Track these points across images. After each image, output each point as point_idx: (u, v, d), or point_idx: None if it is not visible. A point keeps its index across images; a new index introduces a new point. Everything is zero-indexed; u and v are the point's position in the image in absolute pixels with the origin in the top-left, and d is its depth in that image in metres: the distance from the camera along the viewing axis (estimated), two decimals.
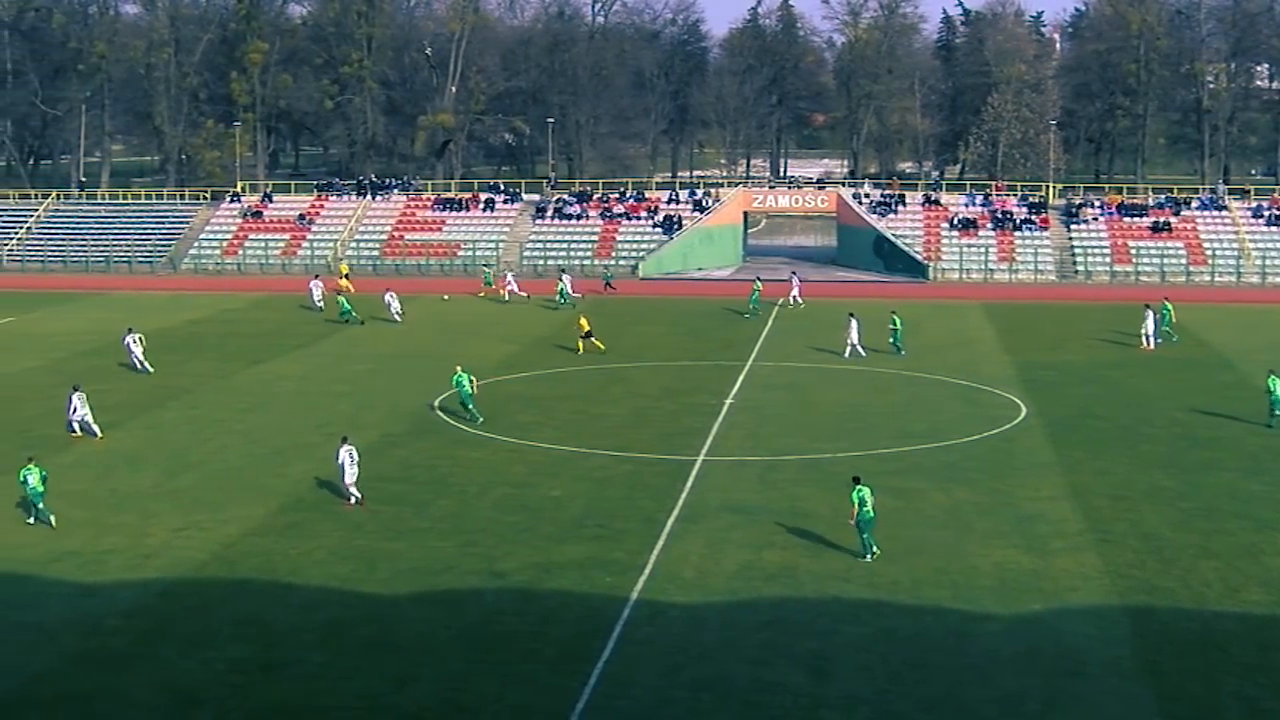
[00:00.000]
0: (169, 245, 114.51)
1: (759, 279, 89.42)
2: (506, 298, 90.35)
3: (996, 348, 73.30)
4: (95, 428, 52.94)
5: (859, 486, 38.05)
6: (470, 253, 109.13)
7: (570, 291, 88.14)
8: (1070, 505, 43.09)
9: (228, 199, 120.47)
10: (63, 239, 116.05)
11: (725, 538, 39.80)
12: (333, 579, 36.55)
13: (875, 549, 37.72)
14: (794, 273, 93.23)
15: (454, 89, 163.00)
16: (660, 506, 42.83)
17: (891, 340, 69.82)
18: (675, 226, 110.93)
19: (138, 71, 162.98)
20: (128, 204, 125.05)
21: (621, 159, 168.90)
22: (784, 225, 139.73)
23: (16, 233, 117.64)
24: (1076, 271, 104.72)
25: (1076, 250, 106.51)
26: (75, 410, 53.11)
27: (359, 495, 43.26)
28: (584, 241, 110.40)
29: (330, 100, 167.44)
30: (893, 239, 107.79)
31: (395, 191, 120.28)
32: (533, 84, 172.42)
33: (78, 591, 35.85)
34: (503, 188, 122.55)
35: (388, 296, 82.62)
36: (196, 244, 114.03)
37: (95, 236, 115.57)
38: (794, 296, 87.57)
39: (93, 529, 41.03)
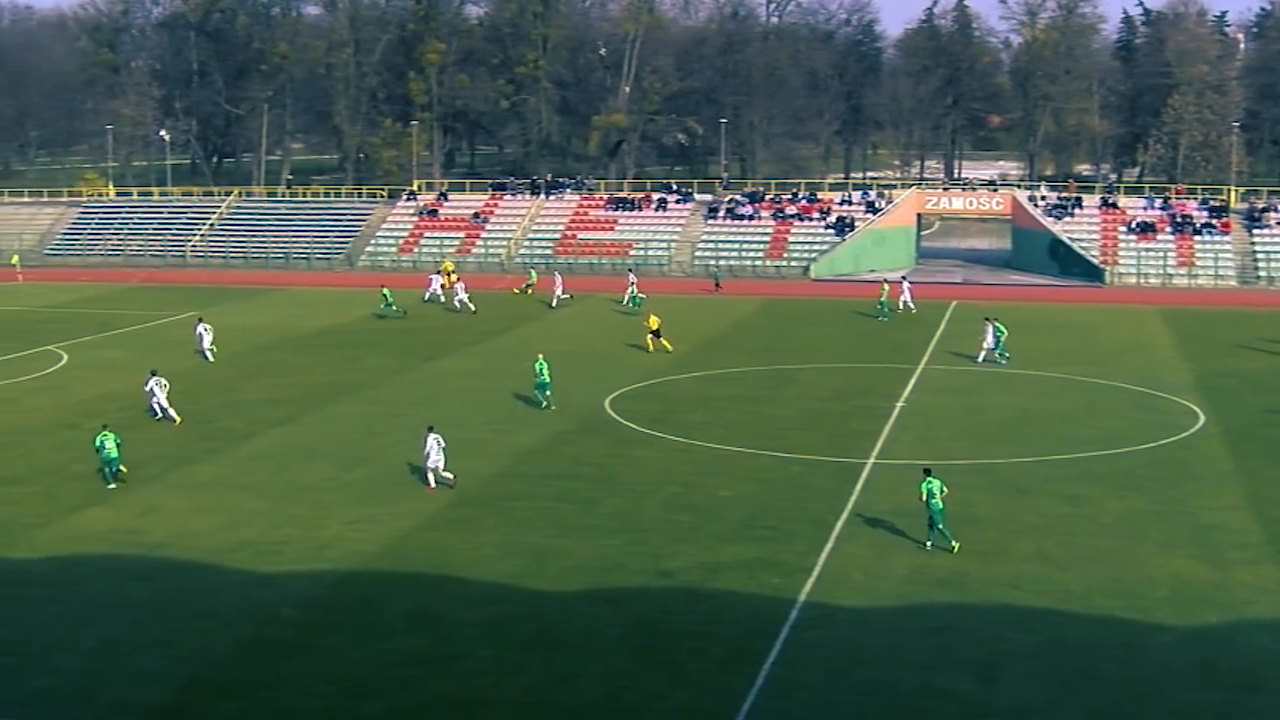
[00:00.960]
0: (346, 242, 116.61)
1: (885, 281, 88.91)
2: (554, 303, 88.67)
3: (1174, 354, 71.84)
4: (173, 412, 54.59)
5: (929, 478, 38.58)
6: (643, 252, 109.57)
7: (638, 292, 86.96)
8: (1249, 515, 42.14)
9: (404, 197, 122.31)
10: (244, 235, 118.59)
11: (894, 541, 39.55)
12: (501, 574, 36.92)
13: (954, 543, 38.14)
14: (904, 277, 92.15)
15: (628, 89, 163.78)
16: (829, 509, 42.66)
17: (995, 348, 68.38)
18: (848, 228, 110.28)
19: (318, 71, 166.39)
20: (307, 202, 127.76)
21: (794, 159, 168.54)
22: (958, 228, 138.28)
23: (200, 229, 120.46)
24: (1259, 277, 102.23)
25: (1259, 255, 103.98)
26: (154, 395, 54.93)
27: (450, 478, 44.71)
28: (756, 242, 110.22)
29: (505, 100, 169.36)
30: (1069, 242, 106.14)
31: (568, 191, 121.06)
32: (706, 84, 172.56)
33: (253, 581, 36.63)
34: (675, 187, 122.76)
35: (458, 287, 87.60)
36: (373, 241, 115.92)
37: (275, 233, 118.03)
38: (904, 301, 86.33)
39: (268, 520, 41.93)
